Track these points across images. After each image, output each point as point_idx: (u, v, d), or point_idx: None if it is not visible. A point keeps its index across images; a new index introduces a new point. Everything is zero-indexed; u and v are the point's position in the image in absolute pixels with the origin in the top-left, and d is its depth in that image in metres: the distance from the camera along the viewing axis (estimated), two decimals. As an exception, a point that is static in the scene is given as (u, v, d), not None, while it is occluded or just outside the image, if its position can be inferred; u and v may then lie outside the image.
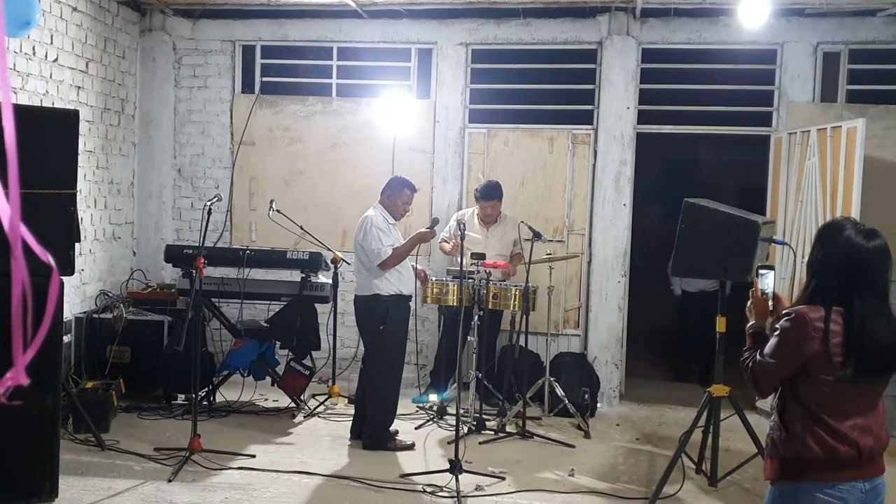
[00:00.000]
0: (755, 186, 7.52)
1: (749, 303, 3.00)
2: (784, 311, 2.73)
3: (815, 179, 6.43)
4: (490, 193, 6.69)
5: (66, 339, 6.33)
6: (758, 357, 2.76)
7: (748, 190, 7.77)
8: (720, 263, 4.69)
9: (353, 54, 7.83)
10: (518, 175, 7.46)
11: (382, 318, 5.60)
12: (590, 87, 7.46)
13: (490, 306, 6.22)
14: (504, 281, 6.42)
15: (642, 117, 7.38)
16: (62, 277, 4.43)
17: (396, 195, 5.76)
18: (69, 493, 4.56)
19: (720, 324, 4.96)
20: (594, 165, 7.39)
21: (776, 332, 2.71)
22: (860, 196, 5.94)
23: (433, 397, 6.68)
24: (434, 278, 6.32)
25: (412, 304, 5.95)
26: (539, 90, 7.62)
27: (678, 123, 7.45)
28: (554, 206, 7.43)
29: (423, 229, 5.82)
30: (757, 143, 7.52)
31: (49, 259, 1.20)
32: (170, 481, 4.83)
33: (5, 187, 1.17)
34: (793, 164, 6.73)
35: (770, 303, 2.93)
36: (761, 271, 3.00)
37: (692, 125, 7.50)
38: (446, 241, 6.77)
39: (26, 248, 1.23)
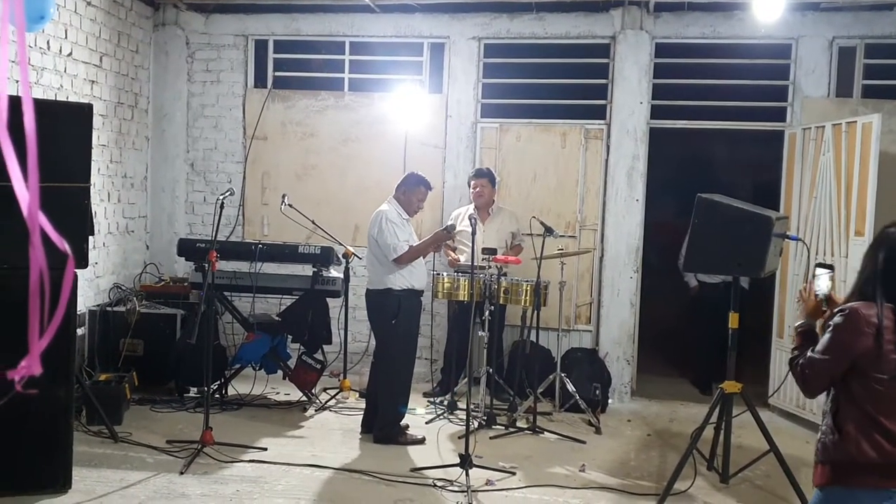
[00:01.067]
0: (769, 183, 7.46)
1: (798, 300, 2.96)
2: (837, 308, 2.70)
3: (829, 175, 6.38)
4: (479, 172, 6.89)
5: (79, 331, 6.37)
6: (808, 354, 2.71)
7: (762, 186, 7.69)
8: (733, 259, 4.67)
9: (366, 49, 7.83)
10: (530, 170, 7.44)
11: (394, 313, 5.60)
12: (603, 81, 7.43)
13: (501, 301, 6.22)
14: (504, 274, 6.40)
15: (655, 112, 7.35)
16: (76, 270, 4.48)
17: (412, 192, 5.76)
18: (82, 485, 4.59)
19: (733, 320, 4.94)
20: (607, 160, 7.36)
21: (829, 329, 2.67)
22: (875, 192, 5.90)
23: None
24: (445, 274, 6.33)
25: (423, 299, 5.95)
26: (552, 85, 7.59)
27: (692, 119, 7.41)
28: (566, 202, 7.41)
29: (440, 231, 5.82)
30: (771, 140, 7.47)
31: (66, 247, 1.23)
32: (182, 473, 4.86)
33: (25, 176, 1.19)
34: (807, 160, 6.68)
35: (824, 304, 2.89)
36: (818, 271, 2.94)
37: (706, 120, 7.45)
38: (451, 250, 6.81)
39: (44, 237, 1.25)
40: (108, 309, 6.70)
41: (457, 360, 6.65)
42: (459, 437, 5.54)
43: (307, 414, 6.37)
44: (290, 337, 6.78)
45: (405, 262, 5.58)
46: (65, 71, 6.30)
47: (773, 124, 7.30)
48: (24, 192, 1.20)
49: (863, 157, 6.02)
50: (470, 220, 5.46)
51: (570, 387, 6.42)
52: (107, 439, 5.43)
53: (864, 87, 7.06)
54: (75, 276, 4.41)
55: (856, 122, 6.17)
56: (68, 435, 4.56)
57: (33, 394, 1.23)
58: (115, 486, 4.63)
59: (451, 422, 6.25)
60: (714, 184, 8.06)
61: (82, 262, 4.59)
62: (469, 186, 6.95)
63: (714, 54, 7.33)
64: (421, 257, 5.79)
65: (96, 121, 6.52)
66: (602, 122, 7.41)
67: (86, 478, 4.70)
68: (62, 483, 4.50)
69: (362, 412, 5.99)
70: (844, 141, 6.23)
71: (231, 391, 6.64)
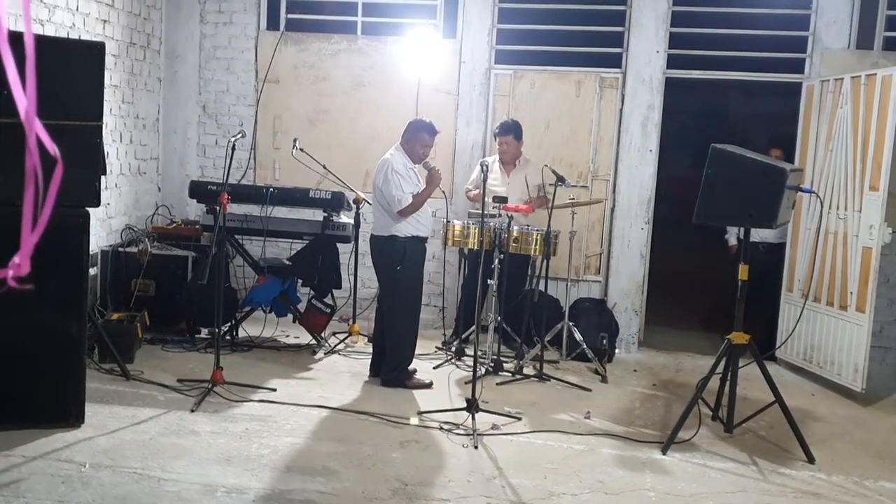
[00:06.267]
0: (785, 137, 7.37)
1: None
2: None
3: (846, 128, 6.29)
4: (505, 128, 6.71)
5: (91, 271, 6.41)
6: None
7: (778, 140, 7.58)
8: (745, 210, 4.64)
9: (380, -9, 7.71)
10: (544, 118, 7.37)
11: (400, 259, 5.62)
12: (619, 29, 7.31)
13: (511, 250, 6.21)
14: (529, 226, 6.38)
15: (672, 62, 7.23)
16: (89, 209, 4.50)
17: (415, 139, 5.70)
18: (95, 420, 4.68)
19: (742, 272, 4.93)
20: (621, 110, 7.28)
21: None
22: (892, 146, 5.82)
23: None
24: (456, 221, 6.31)
25: (435, 247, 5.94)
26: (567, 31, 7.47)
27: (709, 69, 7.29)
28: (579, 151, 7.36)
29: (428, 174, 5.69)
30: (788, 94, 7.35)
31: (56, 151, 1.30)
32: (192, 411, 4.94)
33: (24, 84, 1.24)
34: (824, 113, 6.59)
35: None
36: None
37: (723, 71, 7.33)
38: (470, 189, 6.76)
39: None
40: (121, 249, 6.75)
41: (465, 306, 6.65)
42: (466, 383, 5.60)
43: (316, 357, 6.44)
44: (300, 281, 6.82)
45: (408, 214, 5.58)
46: (77, 9, 6.24)
47: (792, 76, 7.18)
48: (23, 98, 1.24)
49: (881, 111, 5.93)
50: (481, 166, 5.42)
51: (578, 336, 6.45)
52: (118, 377, 5.52)
53: (886, 38, 6.92)
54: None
55: (876, 74, 6.06)
56: (81, 371, 4.63)
57: (27, 288, 1.31)
58: (126, 422, 4.71)
59: (458, 368, 6.31)
60: (730, 139, 7.98)
61: (95, 200, 4.61)
62: (495, 140, 6.84)
63: (734, 3, 7.18)
64: (427, 206, 5.76)
65: (109, 61, 6.45)
66: (618, 70, 7.31)
67: (98, 413, 4.78)
68: (75, 418, 4.58)
69: (370, 356, 6.05)
70: (863, 94, 6.13)
71: (241, 333, 6.71)
